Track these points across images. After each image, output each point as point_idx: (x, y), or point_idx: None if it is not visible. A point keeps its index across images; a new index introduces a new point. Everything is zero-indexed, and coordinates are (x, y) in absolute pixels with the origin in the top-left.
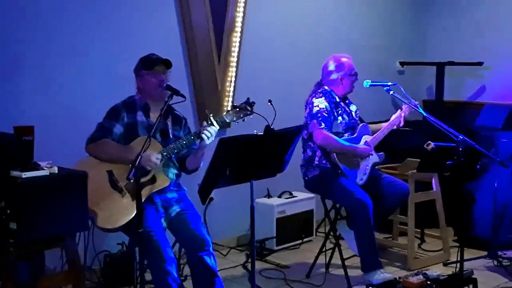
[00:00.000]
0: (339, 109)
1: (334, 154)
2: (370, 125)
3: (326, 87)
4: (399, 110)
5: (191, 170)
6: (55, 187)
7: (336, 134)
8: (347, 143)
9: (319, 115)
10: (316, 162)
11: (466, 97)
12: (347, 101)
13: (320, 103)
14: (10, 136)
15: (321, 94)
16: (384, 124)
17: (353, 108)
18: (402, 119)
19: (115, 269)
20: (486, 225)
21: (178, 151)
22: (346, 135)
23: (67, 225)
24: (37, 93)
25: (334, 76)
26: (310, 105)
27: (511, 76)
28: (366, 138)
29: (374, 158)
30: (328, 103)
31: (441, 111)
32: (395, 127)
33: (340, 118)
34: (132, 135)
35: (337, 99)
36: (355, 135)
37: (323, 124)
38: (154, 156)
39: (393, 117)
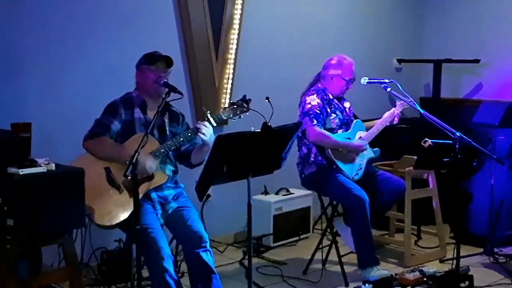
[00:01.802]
0: (332, 106)
1: (329, 149)
2: (365, 123)
3: (319, 85)
4: (392, 108)
5: (195, 165)
6: (52, 184)
7: (330, 130)
8: (340, 139)
9: (311, 112)
10: (312, 159)
11: (463, 94)
12: (340, 98)
13: (312, 100)
14: (7, 132)
15: (313, 92)
16: (377, 121)
17: (346, 104)
18: (396, 117)
19: (112, 265)
20: (482, 222)
21: (175, 148)
22: (340, 131)
23: (64, 222)
24: (35, 90)
25: (330, 71)
26: (303, 103)
27: (508, 74)
28: (360, 133)
29: (369, 153)
30: (320, 100)
31: (438, 109)
32: (388, 124)
33: (333, 114)
34: (129, 132)
35: (330, 96)
36: (349, 131)
37: (315, 121)
38: (149, 163)
39: (386, 114)
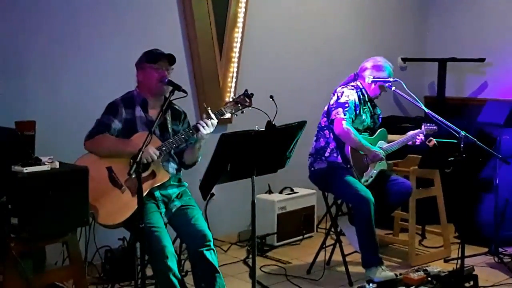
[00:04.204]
0: (365, 107)
1: (349, 149)
2: (390, 136)
3: (359, 83)
4: (417, 129)
5: (188, 165)
6: (56, 182)
7: (355, 130)
8: (364, 141)
9: (346, 105)
10: (327, 155)
11: (468, 93)
12: (373, 103)
13: (351, 95)
14: (12, 131)
15: (352, 87)
16: (401, 137)
17: (377, 111)
18: (418, 138)
19: (116, 264)
20: (487, 221)
21: (177, 146)
22: (363, 134)
23: (68, 220)
24: (40, 89)
25: (368, 73)
26: (339, 94)
27: None
28: (381, 143)
29: (383, 164)
30: (357, 98)
31: (443, 108)
32: (410, 143)
33: (364, 116)
34: (130, 131)
35: (366, 98)
36: (373, 137)
37: (347, 114)
38: (152, 149)
39: (411, 133)
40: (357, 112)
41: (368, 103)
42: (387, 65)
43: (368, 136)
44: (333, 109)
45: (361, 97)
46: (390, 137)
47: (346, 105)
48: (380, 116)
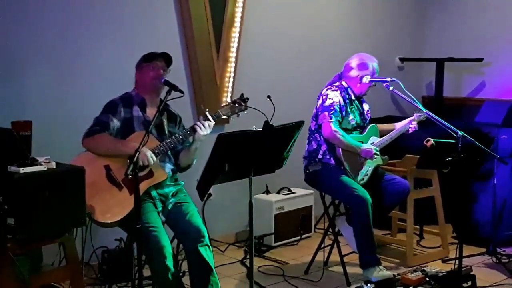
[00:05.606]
0: (353, 106)
1: (340, 150)
2: (381, 125)
3: (343, 83)
4: (408, 118)
5: (183, 168)
6: (53, 183)
7: (344, 130)
8: (353, 141)
9: (331, 108)
10: (320, 157)
11: (466, 93)
12: (361, 100)
13: (335, 96)
14: (8, 131)
15: (337, 88)
16: (397, 125)
17: (365, 107)
18: (411, 127)
19: (113, 264)
20: (485, 221)
21: (174, 146)
22: (353, 133)
23: (65, 221)
24: (36, 89)
25: (353, 73)
26: (324, 97)
27: (511, 73)
28: (373, 139)
29: (377, 160)
30: (343, 98)
31: (440, 108)
32: (404, 132)
33: (351, 115)
34: (128, 130)
35: (353, 97)
36: (363, 135)
37: (333, 117)
38: (149, 153)
39: (402, 123)
40: (343, 113)
41: (355, 101)
42: (371, 62)
43: (358, 134)
44: (319, 113)
45: (347, 97)
46: (380, 126)
47: (331, 108)
48: (369, 111)
